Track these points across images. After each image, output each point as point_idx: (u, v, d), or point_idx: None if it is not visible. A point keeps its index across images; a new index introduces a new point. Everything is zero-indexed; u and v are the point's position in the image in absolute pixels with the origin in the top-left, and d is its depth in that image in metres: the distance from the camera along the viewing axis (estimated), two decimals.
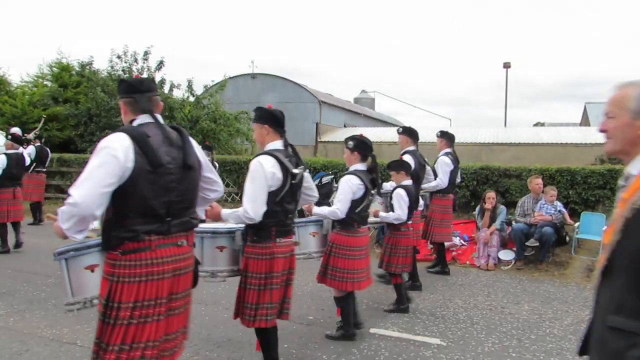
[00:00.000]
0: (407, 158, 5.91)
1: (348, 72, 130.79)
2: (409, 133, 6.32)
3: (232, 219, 3.29)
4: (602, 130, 1.76)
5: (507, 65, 31.34)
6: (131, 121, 2.55)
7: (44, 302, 5.36)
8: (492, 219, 7.70)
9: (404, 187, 5.25)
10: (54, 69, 18.92)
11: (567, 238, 7.69)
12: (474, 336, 4.70)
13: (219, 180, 2.98)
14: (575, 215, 8.14)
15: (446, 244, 7.39)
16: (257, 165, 3.24)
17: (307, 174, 3.64)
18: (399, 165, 5.42)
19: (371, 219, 4.82)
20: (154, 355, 2.42)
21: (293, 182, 3.33)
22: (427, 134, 11.99)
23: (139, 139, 2.37)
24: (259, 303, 3.30)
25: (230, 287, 5.48)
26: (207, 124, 16.11)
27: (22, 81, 19.72)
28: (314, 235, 4.41)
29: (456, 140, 7.12)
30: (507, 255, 7.55)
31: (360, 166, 4.39)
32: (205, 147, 8.41)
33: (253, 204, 3.18)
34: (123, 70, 17.13)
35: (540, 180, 7.79)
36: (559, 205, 7.54)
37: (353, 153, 4.40)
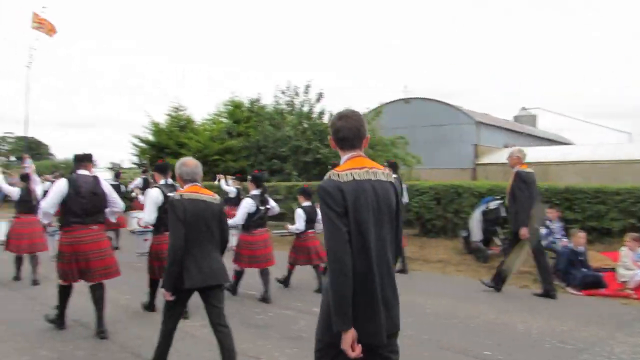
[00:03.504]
0: None
1: (505, 90, 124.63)
2: None
3: None
4: None
5: None
6: None
7: (230, 317, 5.92)
8: None
9: None
10: (228, 107, 21.16)
11: None
12: None
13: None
14: None
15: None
16: None
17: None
18: None
19: None
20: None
21: None
22: (605, 152, 10.91)
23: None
24: None
25: None
26: (365, 150, 16.54)
27: (203, 119, 22.37)
28: None
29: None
30: None
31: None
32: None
33: None
34: (287, 104, 18.52)
35: None
36: None
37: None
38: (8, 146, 52.68)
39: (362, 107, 17.74)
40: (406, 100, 27.25)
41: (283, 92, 18.53)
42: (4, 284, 7.56)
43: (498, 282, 7.09)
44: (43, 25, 19.30)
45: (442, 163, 23.38)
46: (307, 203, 7.25)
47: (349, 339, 2.32)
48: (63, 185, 5.14)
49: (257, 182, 6.86)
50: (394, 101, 26.72)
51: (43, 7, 21.42)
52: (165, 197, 5.45)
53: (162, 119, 21.52)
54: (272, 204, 6.96)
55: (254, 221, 6.66)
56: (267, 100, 20.41)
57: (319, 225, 7.11)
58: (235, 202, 9.70)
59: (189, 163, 4.24)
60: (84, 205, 5.13)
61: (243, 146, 18.87)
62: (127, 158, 26.18)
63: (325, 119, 18.03)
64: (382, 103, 19.99)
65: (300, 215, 7.11)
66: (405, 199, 8.71)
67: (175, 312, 4.07)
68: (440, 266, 9.13)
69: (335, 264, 2.33)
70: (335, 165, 2.68)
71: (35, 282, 7.51)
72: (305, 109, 18.05)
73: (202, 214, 3.96)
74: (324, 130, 17.12)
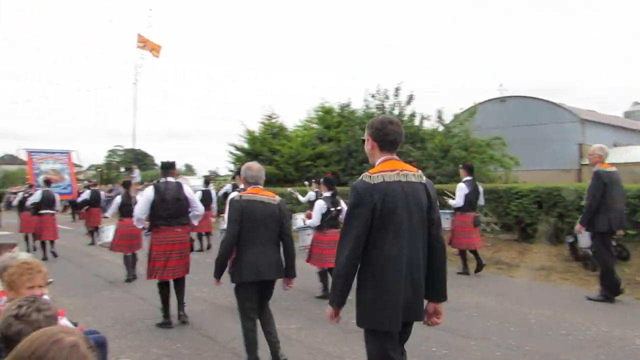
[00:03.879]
0: None
1: (613, 85, 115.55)
2: None
3: None
4: None
5: None
6: None
7: (326, 321, 5.99)
8: None
9: None
10: (319, 113, 21.50)
11: None
12: None
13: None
14: None
15: None
16: None
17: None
18: None
19: None
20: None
21: None
22: None
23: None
24: None
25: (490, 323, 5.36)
26: (458, 152, 16.08)
27: (295, 126, 22.91)
28: None
29: None
30: None
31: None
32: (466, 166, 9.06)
33: None
34: (377, 108, 18.45)
35: None
36: None
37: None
38: (118, 158, 57.15)
39: (455, 107, 17.24)
40: (502, 99, 26.18)
41: (373, 96, 18.50)
42: (118, 285, 8.20)
43: (611, 291, 6.56)
44: (147, 45, 20.81)
45: (541, 164, 22.13)
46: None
47: (333, 314, 2.97)
48: (150, 192, 5.80)
49: (329, 185, 7.17)
50: (489, 100, 25.75)
51: (148, 26, 23.03)
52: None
53: (256, 127, 22.34)
54: (342, 205, 7.05)
55: (326, 222, 6.95)
56: (357, 105, 20.47)
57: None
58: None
59: (253, 167, 4.59)
60: (168, 210, 5.76)
61: (334, 151, 19.06)
62: (224, 165, 27.40)
63: (416, 121, 17.72)
64: (476, 102, 19.31)
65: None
66: (481, 201, 8.89)
67: (246, 309, 4.35)
68: (543, 274, 8.60)
69: (346, 253, 2.76)
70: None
71: (133, 278, 8.43)
72: (396, 111, 17.87)
73: (259, 213, 4.28)
74: (415, 132, 16.84)
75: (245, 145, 21.86)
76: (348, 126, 18.91)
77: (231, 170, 22.74)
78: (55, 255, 11.23)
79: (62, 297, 7.27)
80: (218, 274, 4.36)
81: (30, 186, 17.08)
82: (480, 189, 8.81)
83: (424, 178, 2.88)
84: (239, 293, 4.35)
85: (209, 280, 5.54)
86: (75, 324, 3.29)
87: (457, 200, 8.46)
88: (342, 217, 6.88)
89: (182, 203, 5.88)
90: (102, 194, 14.34)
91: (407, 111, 17.82)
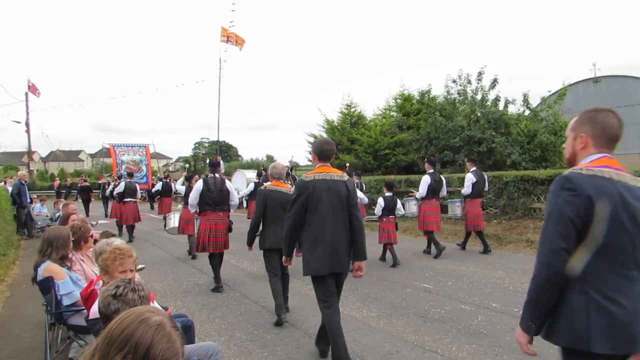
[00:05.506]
0: None
1: None
2: None
3: None
4: None
5: None
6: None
7: (405, 309, 5.97)
8: None
9: None
10: (398, 100, 21.20)
11: None
12: None
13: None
14: None
15: None
16: None
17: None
18: None
19: None
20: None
21: None
22: None
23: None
24: None
25: None
26: (546, 137, 15.25)
27: (374, 114, 22.76)
28: None
29: None
30: None
31: None
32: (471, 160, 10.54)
33: None
34: (458, 93, 17.88)
35: None
36: None
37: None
38: (204, 150, 59.61)
39: (543, 90, 16.32)
40: (595, 80, 24.46)
41: (454, 81, 17.92)
42: (204, 272, 8.59)
43: None
44: (231, 39, 21.49)
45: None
46: (389, 194, 8.99)
47: (287, 258, 4.48)
48: (200, 184, 7.39)
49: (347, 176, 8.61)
50: (581, 81, 24.16)
51: (231, 22, 23.76)
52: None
53: (335, 117, 22.43)
54: (360, 195, 8.75)
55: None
56: (438, 91, 19.94)
57: (399, 212, 9.11)
58: None
59: (278, 167, 6.14)
60: (213, 198, 7.31)
61: (413, 139, 18.74)
62: (304, 156, 27.82)
63: (501, 106, 16.99)
64: (566, 84, 18.19)
65: (380, 203, 8.94)
66: (486, 187, 10.47)
67: (269, 268, 5.79)
68: None
69: (289, 223, 4.29)
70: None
71: (193, 257, 9.96)
72: (479, 96, 17.23)
73: (278, 199, 5.80)
74: (499, 117, 16.15)
75: (325, 135, 22.04)
76: (428, 113, 18.49)
77: (264, 169, 23.25)
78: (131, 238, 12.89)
79: (154, 282, 7.76)
80: (249, 243, 6.04)
81: (120, 177, 18.65)
82: (485, 176, 10.30)
83: (346, 177, 4.36)
84: (265, 257, 5.86)
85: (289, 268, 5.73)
86: (165, 308, 3.49)
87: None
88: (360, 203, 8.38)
89: (224, 193, 7.39)
90: (175, 184, 15.20)
91: (491, 95, 17.12)
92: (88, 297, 3.46)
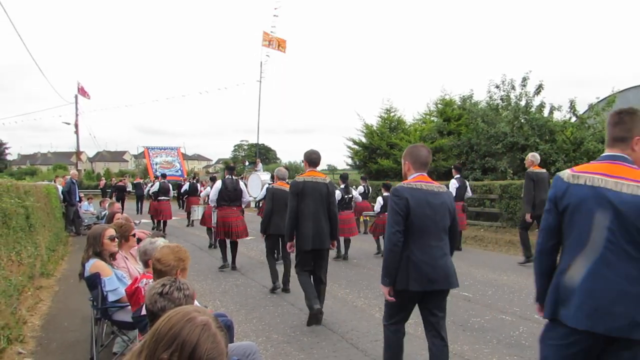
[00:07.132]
0: None
1: None
2: None
3: None
4: None
5: None
6: None
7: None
8: None
9: None
10: (439, 105, 20.95)
11: None
12: None
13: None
14: None
15: None
16: None
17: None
18: None
19: None
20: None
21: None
22: None
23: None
24: None
25: None
26: (594, 145, 14.75)
27: (414, 119, 22.58)
28: None
29: None
30: None
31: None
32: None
33: None
34: (501, 99, 17.52)
35: None
36: None
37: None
38: (243, 152, 60.48)
39: (591, 97, 15.79)
40: None
41: (497, 87, 17.55)
42: (242, 273, 8.71)
43: None
44: (272, 42, 21.73)
45: None
46: (387, 194, 10.03)
47: (289, 245, 5.94)
48: (219, 184, 9.05)
49: (343, 180, 10.64)
50: (631, 88, 23.27)
51: (273, 27, 24.02)
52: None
53: (374, 121, 22.34)
54: (354, 194, 10.74)
55: (340, 205, 9.48)
56: (480, 97, 19.59)
57: None
58: (363, 197, 12.82)
59: (283, 170, 8.10)
60: (229, 195, 8.99)
61: (454, 145, 18.46)
62: (343, 160, 27.79)
63: (545, 112, 16.53)
64: (615, 91, 17.53)
65: (379, 202, 10.44)
66: (469, 193, 11.84)
67: (269, 250, 7.70)
68: None
69: (289, 214, 5.80)
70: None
71: (214, 246, 11.33)
72: (522, 102, 16.82)
73: (283, 197, 7.15)
74: (544, 124, 15.72)
75: (363, 140, 21.99)
76: (469, 119, 18.18)
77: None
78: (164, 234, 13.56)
79: (194, 282, 7.91)
80: (262, 231, 7.55)
81: (156, 177, 19.79)
82: (467, 184, 11.84)
83: (328, 180, 5.87)
84: (267, 241, 7.55)
85: (333, 275, 5.72)
86: (205, 307, 3.56)
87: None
88: (353, 203, 10.67)
89: (237, 192, 9.09)
90: (203, 188, 15.79)
91: (536, 102, 16.67)
92: (132, 294, 3.57)
